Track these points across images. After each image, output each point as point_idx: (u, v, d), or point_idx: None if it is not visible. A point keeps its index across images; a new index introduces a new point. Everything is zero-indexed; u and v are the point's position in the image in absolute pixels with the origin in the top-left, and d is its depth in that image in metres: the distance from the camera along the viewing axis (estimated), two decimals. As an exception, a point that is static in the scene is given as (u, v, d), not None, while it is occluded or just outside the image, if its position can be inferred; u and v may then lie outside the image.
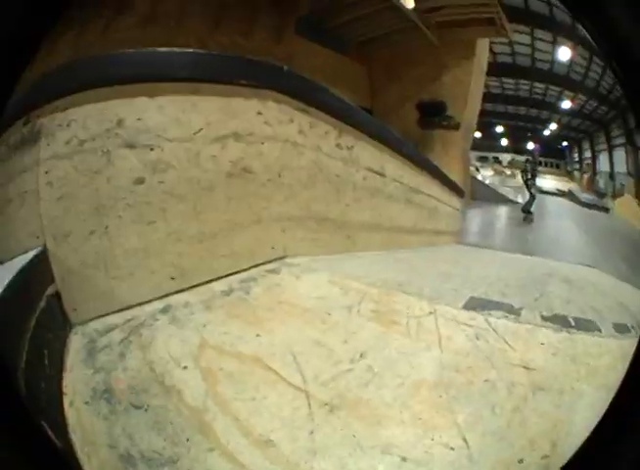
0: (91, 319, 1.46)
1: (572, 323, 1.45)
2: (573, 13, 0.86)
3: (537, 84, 10.82)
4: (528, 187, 8.34)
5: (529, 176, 8.46)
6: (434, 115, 7.79)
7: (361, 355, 1.22)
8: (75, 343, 1.38)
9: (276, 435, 0.98)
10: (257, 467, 0.91)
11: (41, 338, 1.22)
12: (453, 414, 1.03)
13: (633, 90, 0.67)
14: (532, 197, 8.15)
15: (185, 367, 1.20)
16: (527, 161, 8.89)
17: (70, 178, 1.52)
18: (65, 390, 1.17)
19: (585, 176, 12.15)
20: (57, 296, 1.47)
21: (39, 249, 1.47)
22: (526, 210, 7.98)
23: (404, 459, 0.92)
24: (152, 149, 1.61)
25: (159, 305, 1.54)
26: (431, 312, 1.44)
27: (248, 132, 1.84)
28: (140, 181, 1.59)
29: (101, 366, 1.25)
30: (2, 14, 0.64)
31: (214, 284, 1.66)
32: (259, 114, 1.88)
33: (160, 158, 1.62)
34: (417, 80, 7.63)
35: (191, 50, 1.83)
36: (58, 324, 1.42)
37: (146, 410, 1.08)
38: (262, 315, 1.45)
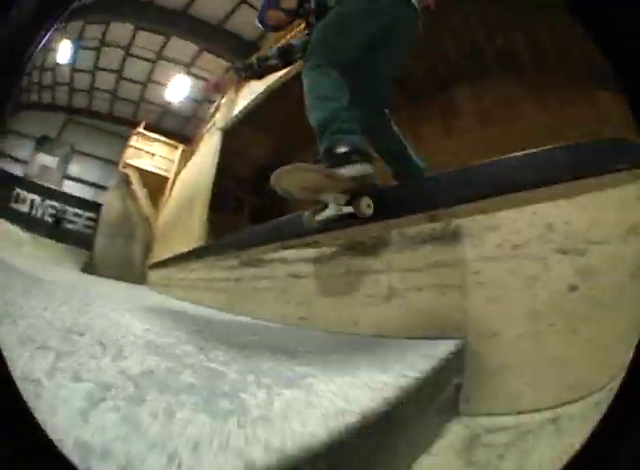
0: (481, 414, 1.52)
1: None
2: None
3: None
4: None
5: None
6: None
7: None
8: (455, 431, 1.43)
9: None
10: None
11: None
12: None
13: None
14: None
15: None
16: None
17: (505, 281, 1.56)
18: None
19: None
20: (457, 386, 1.58)
21: (460, 341, 1.60)
22: None
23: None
24: (582, 255, 1.56)
25: (550, 415, 1.47)
26: None
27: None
28: (573, 288, 1.54)
29: (475, 461, 1.27)
30: (2, 14, 0.64)
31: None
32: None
33: (589, 262, 1.58)
34: None
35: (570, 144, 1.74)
36: (441, 409, 1.46)
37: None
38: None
